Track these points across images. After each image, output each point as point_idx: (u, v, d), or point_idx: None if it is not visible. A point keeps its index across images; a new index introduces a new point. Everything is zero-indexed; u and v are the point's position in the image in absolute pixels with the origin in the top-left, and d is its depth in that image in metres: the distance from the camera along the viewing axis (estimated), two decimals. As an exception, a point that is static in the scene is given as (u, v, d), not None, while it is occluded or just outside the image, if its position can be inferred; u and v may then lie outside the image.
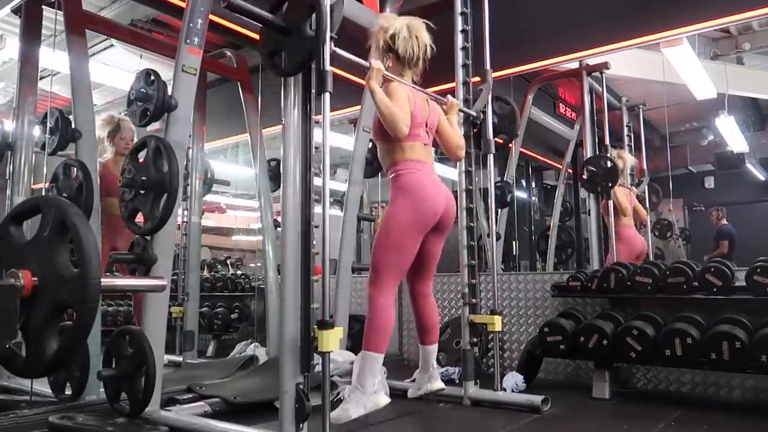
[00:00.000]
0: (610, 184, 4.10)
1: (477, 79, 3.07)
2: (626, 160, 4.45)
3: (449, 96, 2.70)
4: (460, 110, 2.82)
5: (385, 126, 2.28)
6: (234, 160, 5.80)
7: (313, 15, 1.95)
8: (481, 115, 3.00)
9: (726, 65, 4.55)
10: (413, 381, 2.71)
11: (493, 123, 3.06)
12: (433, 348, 2.55)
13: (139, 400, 2.21)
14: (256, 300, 4.53)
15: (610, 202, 4.19)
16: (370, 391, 2.17)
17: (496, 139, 3.10)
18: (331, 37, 2.00)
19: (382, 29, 2.44)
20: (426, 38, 2.46)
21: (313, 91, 2.01)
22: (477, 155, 3.07)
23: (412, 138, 2.36)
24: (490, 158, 3.05)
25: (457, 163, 3.04)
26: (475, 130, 3.03)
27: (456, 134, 2.61)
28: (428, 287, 2.56)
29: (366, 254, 5.03)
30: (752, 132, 5.20)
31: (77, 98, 2.95)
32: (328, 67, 1.97)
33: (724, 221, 5.15)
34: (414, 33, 2.43)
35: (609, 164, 4.12)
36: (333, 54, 2.03)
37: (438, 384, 2.52)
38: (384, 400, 2.21)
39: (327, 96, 1.99)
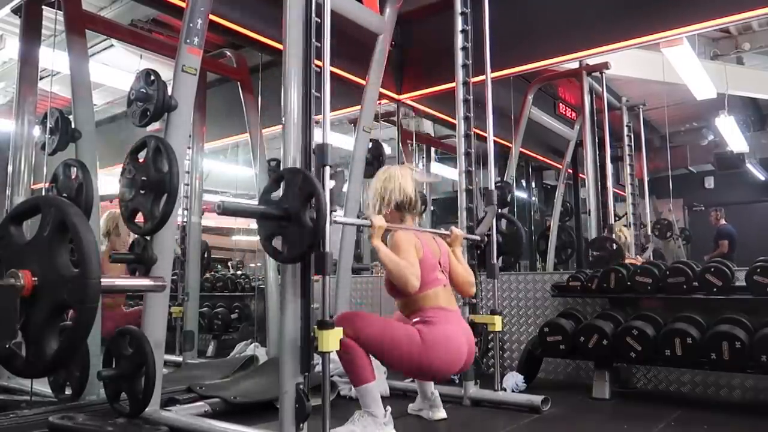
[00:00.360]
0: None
1: (477, 79, 3.07)
2: (626, 234, 4.45)
3: (452, 228, 2.66)
4: (466, 238, 2.78)
5: (395, 283, 2.24)
6: (234, 160, 5.79)
7: (312, 200, 1.88)
8: (485, 239, 2.95)
9: (726, 65, 4.55)
10: (412, 381, 2.72)
11: (498, 243, 3.00)
12: (429, 383, 2.55)
13: (139, 400, 2.21)
14: (256, 300, 4.53)
15: None
16: (380, 421, 2.15)
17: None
18: (332, 210, 1.95)
19: (377, 180, 2.46)
20: (411, 185, 2.43)
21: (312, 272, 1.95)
22: (477, 155, 3.07)
23: (432, 284, 2.30)
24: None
25: (457, 163, 3.04)
26: (479, 252, 2.99)
27: (465, 270, 2.54)
28: None
29: (366, 254, 5.03)
30: (752, 132, 5.20)
31: (77, 98, 2.95)
32: (328, 249, 1.91)
33: (723, 221, 5.16)
34: (401, 180, 2.41)
35: (614, 246, 4.09)
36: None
37: (441, 413, 2.51)
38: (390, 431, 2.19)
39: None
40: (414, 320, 2.28)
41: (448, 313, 2.29)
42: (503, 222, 3.28)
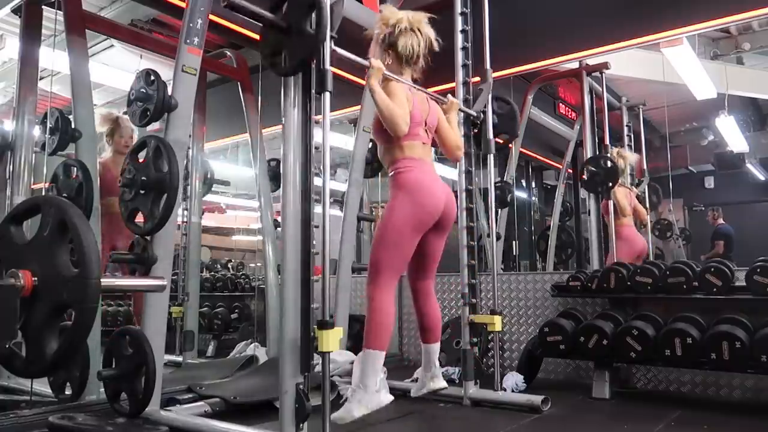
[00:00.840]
0: (610, 184, 4.10)
1: (477, 79, 3.07)
2: (627, 158, 4.45)
3: (449, 96, 2.70)
4: (460, 110, 2.83)
5: (384, 125, 2.28)
6: (234, 160, 5.79)
7: (313, 13, 1.94)
8: (482, 115, 3.00)
9: (726, 65, 4.55)
10: (415, 380, 2.71)
11: (494, 123, 3.06)
12: (436, 347, 2.55)
13: (139, 400, 2.21)
14: (256, 300, 4.53)
15: (611, 202, 4.19)
16: (372, 390, 2.17)
17: (496, 139, 3.10)
18: (332, 37, 2.00)
19: (383, 22, 2.43)
20: (428, 32, 2.45)
21: (314, 90, 2.00)
22: (477, 155, 3.07)
23: (412, 137, 2.36)
24: (491, 158, 3.05)
25: (457, 163, 3.04)
26: (475, 131, 3.03)
27: (455, 134, 2.61)
28: (430, 286, 2.56)
29: (366, 254, 5.03)
30: (752, 132, 5.20)
31: (77, 98, 2.95)
32: (328, 66, 1.97)
33: (721, 221, 5.16)
34: (415, 26, 2.41)
35: (609, 164, 4.12)
36: (333, 53, 2.03)
37: (441, 383, 2.52)
38: (387, 398, 2.20)
39: (327, 95, 1.99)
40: (390, 172, 2.40)
41: (422, 163, 2.39)
42: (498, 102, 3.24)
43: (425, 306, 2.55)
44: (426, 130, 2.45)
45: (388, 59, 2.44)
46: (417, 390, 2.58)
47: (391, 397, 2.22)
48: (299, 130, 2.02)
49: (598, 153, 4.35)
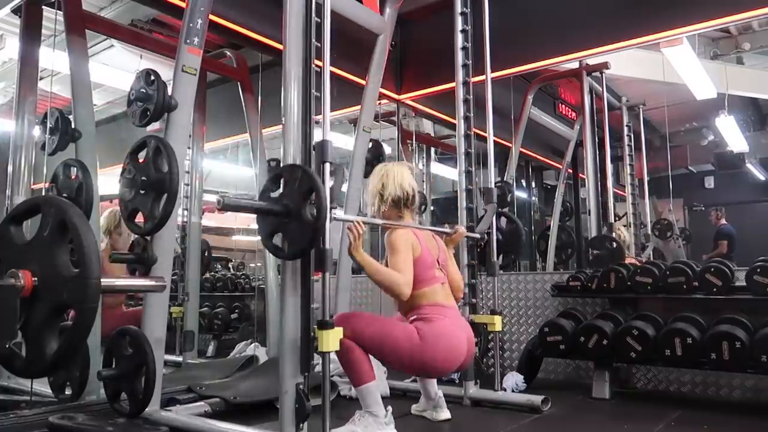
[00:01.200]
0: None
1: (477, 78, 3.07)
2: (625, 234, 4.43)
3: (457, 226, 2.68)
4: (466, 236, 2.79)
5: (386, 293, 2.23)
6: (234, 160, 5.79)
7: (312, 197, 1.88)
8: (485, 237, 2.96)
9: (726, 65, 4.55)
10: (414, 380, 2.71)
11: (498, 240, 3.00)
12: (433, 380, 2.54)
13: (139, 400, 2.21)
14: (256, 300, 4.53)
15: None
16: (381, 421, 2.16)
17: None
18: (332, 207, 1.94)
19: (372, 183, 2.47)
20: (408, 181, 2.44)
21: (312, 269, 1.96)
22: (477, 154, 3.07)
23: (429, 282, 2.31)
24: (490, 159, 3.03)
25: (457, 163, 3.04)
26: (478, 250, 3.00)
27: (457, 275, 2.55)
28: None
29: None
30: (752, 132, 5.19)
31: (77, 98, 2.95)
32: (328, 246, 1.92)
33: (723, 221, 5.14)
34: (397, 176, 2.43)
35: (614, 245, 4.08)
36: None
37: (444, 414, 2.50)
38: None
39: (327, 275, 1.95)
40: (411, 318, 2.28)
41: (446, 310, 2.30)
42: (503, 220, 3.28)
43: None
44: (440, 269, 2.40)
45: (384, 207, 2.42)
46: (416, 410, 2.61)
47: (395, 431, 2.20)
48: (299, 130, 2.02)
49: (601, 233, 4.32)
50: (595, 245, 4.20)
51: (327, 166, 1.97)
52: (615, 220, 4.60)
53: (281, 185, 1.98)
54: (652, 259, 4.79)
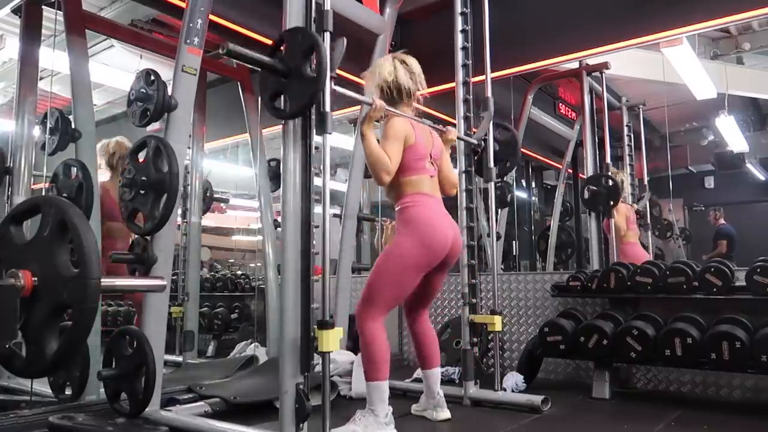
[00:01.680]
0: (611, 203, 4.09)
1: (477, 78, 3.06)
2: (623, 178, 4.42)
3: (448, 127, 2.70)
4: (460, 139, 2.83)
5: (369, 170, 2.31)
6: (234, 160, 5.79)
7: (313, 55, 1.92)
8: (482, 144, 2.98)
9: (726, 65, 4.55)
10: (415, 380, 2.71)
11: (495, 150, 3.04)
12: (437, 372, 2.55)
13: (139, 400, 2.21)
14: (256, 300, 4.53)
15: (612, 221, 4.17)
16: (381, 420, 2.18)
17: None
18: (332, 77, 1.98)
19: (376, 68, 2.50)
20: (416, 64, 2.54)
21: (314, 132, 1.99)
22: (477, 153, 3.07)
23: (418, 171, 2.37)
24: (491, 159, 3.04)
25: (457, 162, 3.04)
26: (476, 158, 3.02)
27: (451, 172, 2.60)
28: (426, 314, 2.59)
29: (365, 254, 5.03)
30: (752, 132, 5.20)
31: (77, 98, 2.95)
32: (328, 108, 1.95)
33: (722, 221, 5.14)
34: (404, 59, 2.51)
35: (611, 183, 4.10)
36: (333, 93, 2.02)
37: (445, 414, 2.51)
38: None
39: (327, 138, 1.98)
40: (397, 208, 2.39)
41: (429, 198, 2.38)
42: (499, 129, 3.24)
43: (421, 333, 2.56)
44: (432, 163, 2.45)
45: (385, 97, 2.46)
46: (416, 411, 2.61)
47: None
48: (299, 130, 2.02)
49: (598, 171, 4.32)
50: (592, 182, 4.20)
51: (327, 35, 2.01)
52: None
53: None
54: (648, 209, 4.81)
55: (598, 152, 4.45)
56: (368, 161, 2.31)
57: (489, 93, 3.02)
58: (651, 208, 4.89)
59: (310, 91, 1.92)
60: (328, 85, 1.95)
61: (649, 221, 4.79)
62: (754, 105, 5.33)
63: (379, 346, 2.22)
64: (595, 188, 4.15)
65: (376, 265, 2.34)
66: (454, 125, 2.89)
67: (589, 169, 4.48)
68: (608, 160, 4.35)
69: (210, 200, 4.58)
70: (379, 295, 2.27)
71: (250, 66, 2.05)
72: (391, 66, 2.47)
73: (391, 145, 2.30)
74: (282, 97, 2.01)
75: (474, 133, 3.02)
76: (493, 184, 3.14)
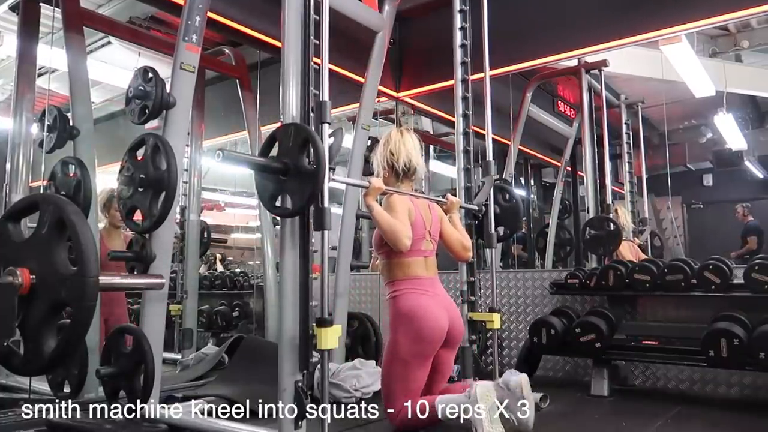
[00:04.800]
0: (612, 247, 4.05)
1: (476, 76, 3.06)
2: (623, 215, 4.38)
3: (449, 195, 2.70)
4: (462, 207, 2.81)
5: (387, 241, 2.28)
6: (233, 158, 5.77)
7: (309, 146, 1.88)
8: (483, 209, 2.96)
9: (725, 63, 4.55)
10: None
11: (496, 214, 3.00)
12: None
13: (138, 398, 2.21)
14: (255, 298, 4.53)
15: None
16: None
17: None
18: (331, 168, 1.94)
19: (380, 149, 2.49)
20: (415, 152, 2.47)
21: (312, 229, 1.96)
22: (476, 152, 3.07)
23: (414, 254, 2.35)
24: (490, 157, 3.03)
25: (455, 160, 3.04)
26: (476, 222, 3.00)
27: (460, 235, 2.58)
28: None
29: (365, 252, 5.03)
30: (751, 129, 5.20)
31: (75, 96, 2.95)
32: (327, 204, 1.91)
33: (751, 217, 5.04)
34: (409, 147, 2.46)
35: (612, 227, 4.05)
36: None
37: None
38: None
39: (326, 234, 1.94)
40: (388, 294, 2.37)
41: (421, 281, 2.34)
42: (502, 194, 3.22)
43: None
44: (431, 241, 2.44)
45: (386, 173, 2.46)
46: None
47: None
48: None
49: (600, 213, 4.29)
50: (593, 225, 4.17)
51: (326, 126, 1.98)
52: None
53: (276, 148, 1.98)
54: (649, 242, 4.78)
55: (596, 150, 4.45)
56: (383, 231, 2.26)
57: (490, 156, 2.99)
58: (651, 240, 4.86)
59: (309, 189, 1.87)
60: (327, 180, 1.90)
61: (650, 253, 4.70)
62: (752, 102, 5.32)
63: (417, 416, 2.18)
64: (596, 232, 4.10)
65: (383, 365, 2.35)
66: (453, 192, 2.88)
67: (587, 167, 4.49)
68: (609, 200, 4.32)
69: (208, 244, 4.55)
70: (394, 389, 2.27)
71: (250, 169, 1.99)
72: (398, 143, 2.46)
73: (401, 216, 2.29)
74: (281, 196, 1.96)
75: (473, 131, 3.01)
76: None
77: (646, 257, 4.30)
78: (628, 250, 4.28)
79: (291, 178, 1.91)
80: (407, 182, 2.48)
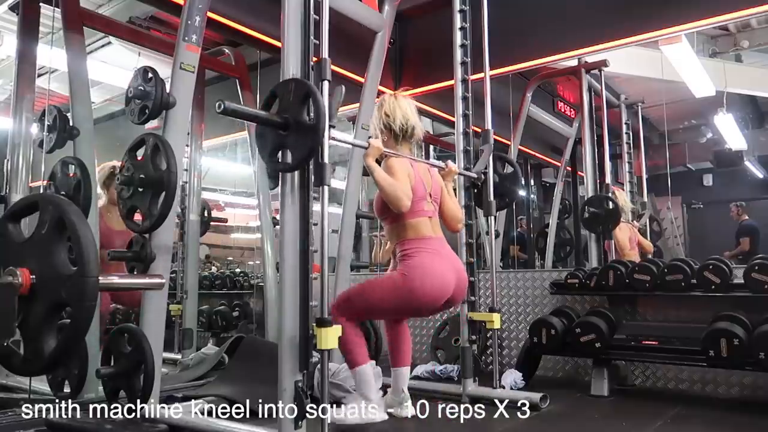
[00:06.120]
0: (611, 226, 4.06)
1: (476, 76, 3.06)
2: (621, 197, 4.38)
3: (448, 161, 2.70)
4: (460, 174, 2.83)
5: (387, 201, 2.29)
6: (232, 157, 5.78)
7: (310, 102, 1.88)
8: (482, 177, 2.96)
9: (725, 63, 4.55)
10: (413, 378, 2.71)
11: (495, 183, 3.00)
12: (405, 371, 2.56)
13: (138, 398, 2.21)
14: (255, 298, 4.53)
15: (612, 243, 4.15)
16: (372, 404, 2.25)
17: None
18: (331, 126, 1.95)
19: (378, 111, 2.51)
20: (413, 114, 2.50)
21: (312, 184, 1.97)
22: (476, 152, 3.06)
23: (417, 214, 2.36)
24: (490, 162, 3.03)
25: (455, 160, 3.04)
26: (475, 191, 3.01)
27: (454, 205, 2.60)
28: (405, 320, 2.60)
29: (365, 252, 5.03)
30: (751, 129, 5.20)
31: (75, 96, 2.94)
32: (327, 159, 1.92)
33: (746, 217, 5.02)
34: (404, 108, 2.49)
35: (611, 205, 4.07)
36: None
37: (409, 411, 2.49)
38: (381, 416, 2.26)
39: (326, 189, 1.94)
40: (397, 254, 2.38)
41: (431, 241, 2.36)
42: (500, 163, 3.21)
43: (396, 333, 2.57)
44: (432, 202, 2.46)
45: (385, 136, 2.47)
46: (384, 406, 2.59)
47: (386, 416, 2.28)
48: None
49: (598, 192, 4.29)
50: (592, 204, 4.17)
51: (326, 84, 1.99)
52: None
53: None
54: (648, 226, 4.78)
55: (596, 150, 4.45)
56: (384, 190, 2.28)
57: (489, 125, 2.99)
58: (650, 224, 4.86)
59: (309, 143, 1.87)
60: (327, 135, 1.91)
61: (649, 238, 4.73)
62: (752, 103, 5.32)
63: (348, 335, 2.22)
64: (595, 210, 4.11)
65: (366, 282, 2.38)
66: (453, 159, 2.89)
67: (587, 167, 4.49)
68: (608, 180, 4.32)
69: (208, 223, 4.55)
70: (354, 308, 2.30)
71: (250, 122, 2.00)
72: (393, 105, 2.48)
73: (401, 177, 2.31)
74: (282, 151, 1.96)
75: (473, 131, 3.01)
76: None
77: (645, 241, 4.32)
78: (627, 232, 4.29)
79: (291, 132, 1.91)
80: (406, 144, 2.50)
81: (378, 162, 2.37)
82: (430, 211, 2.43)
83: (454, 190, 2.75)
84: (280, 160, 1.97)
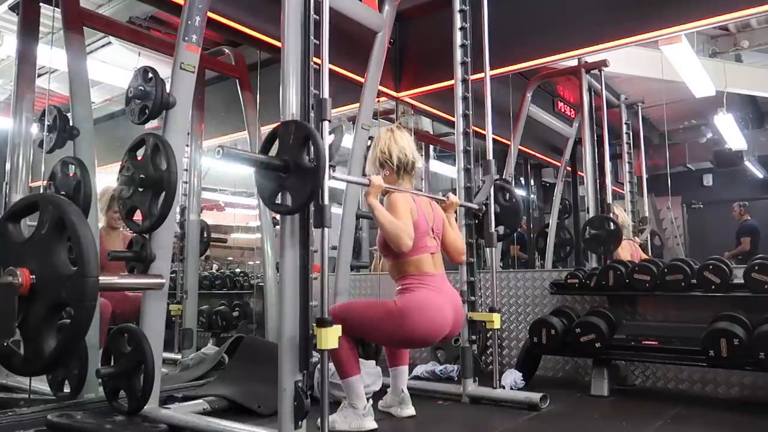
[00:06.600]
0: (612, 247, 4.04)
1: (476, 76, 3.06)
2: (620, 214, 4.37)
3: (450, 194, 2.71)
4: (461, 205, 2.83)
5: (388, 240, 2.28)
6: (233, 157, 5.77)
7: (309, 143, 1.88)
8: (483, 208, 2.97)
9: (725, 63, 4.54)
10: (412, 378, 2.71)
11: (496, 213, 3.01)
12: (404, 369, 2.57)
13: (138, 398, 2.22)
14: (255, 298, 4.52)
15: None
16: (360, 413, 2.26)
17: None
18: (331, 167, 1.95)
19: (376, 147, 2.51)
20: (410, 147, 2.50)
21: (312, 226, 1.96)
22: (476, 153, 3.07)
23: (419, 251, 2.36)
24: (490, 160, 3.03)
25: (456, 160, 3.04)
26: (476, 221, 3.01)
27: (456, 237, 2.61)
28: None
29: (365, 252, 5.02)
30: (751, 129, 5.19)
31: (75, 96, 2.94)
32: (327, 201, 1.91)
33: (748, 216, 4.99)
34: (398, 135, 2.49)
35: (612, 226, 4.05)
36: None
37: (409, 410, 2.51)
38: (371, 425, 2.27)
39: (326, 231, 1.93)
40: (397, 288, 2.38)
41: (431, 278, 2.35)
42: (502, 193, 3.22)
43: None
44: (434, 237, 2.45)
45: (385, 172, 2.47)
46: (382, 407, 2.61)
47: (375, 425, 2.28)
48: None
49: (600, 213, 4.29)
50: (593, 225, 4.16)
51: (326, 124, 1.98)
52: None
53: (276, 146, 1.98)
54: (649, 241, 4.77)
55: (596, 150, 4.45)
56: (385, 230, 2.27)
57: (490, 155, 3.00)
58: (651, 239, 4.85)
59: (310, 186, 1.86)
60: (327, 177, 1.90)
61: (651, 253, 4.69)
62: (752, 103, 5.32)
63: (344, 348, 2.21)
64: (596, 231, 4.10)
65: (370, 303, 2.39)
66: (454, 191, 2.89)
67: (587, 167, 4.49)
68: (609, 200, 4.32)
69: (208, 243, 4.53)
70: (350, 321, 2.26)
71: (250, 166, 1.99)
72: (389, 141, 2.48)
73: (403, 215, 2.30)
74: (282, 194, 1.96)
75: (473, 131, 3.01)
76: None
77: (647, 257, 4.30)
78: (628, 249, 4.28)
79: (291, 175, 1.91)
80: (407, 178, 2.50)
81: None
82: (432, 246, 2.42)
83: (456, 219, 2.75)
84: (280, 203, 1.96)
